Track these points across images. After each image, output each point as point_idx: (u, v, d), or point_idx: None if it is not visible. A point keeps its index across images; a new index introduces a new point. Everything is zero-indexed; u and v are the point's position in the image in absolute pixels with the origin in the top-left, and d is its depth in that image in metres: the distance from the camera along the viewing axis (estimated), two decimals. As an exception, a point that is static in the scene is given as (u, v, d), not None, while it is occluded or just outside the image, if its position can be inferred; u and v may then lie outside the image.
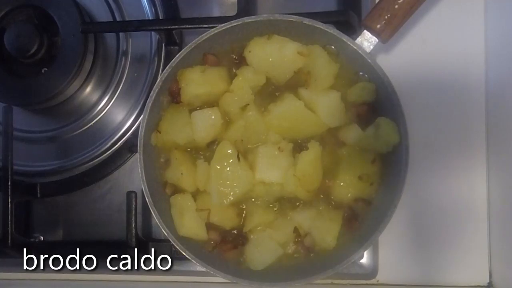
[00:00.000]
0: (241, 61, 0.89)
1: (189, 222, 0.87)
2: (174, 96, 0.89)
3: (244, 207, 0.88)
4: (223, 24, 0.85)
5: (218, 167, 0.84)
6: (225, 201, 0.84)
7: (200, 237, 0.87)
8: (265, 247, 0.86)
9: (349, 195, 0.85)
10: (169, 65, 0.86)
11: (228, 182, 0.84)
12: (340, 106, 0.86)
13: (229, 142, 0.85)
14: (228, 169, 0.84)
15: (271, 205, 0.88)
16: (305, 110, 0.85)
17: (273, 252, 0.86)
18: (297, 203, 0.87)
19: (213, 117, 0.86)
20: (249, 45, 0.87)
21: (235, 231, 0.88)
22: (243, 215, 0.88)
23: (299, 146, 0.87)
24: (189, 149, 0.90)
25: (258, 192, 0.85)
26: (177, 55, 0.86)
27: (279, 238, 0.86)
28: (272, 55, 0.86)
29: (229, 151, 0.85)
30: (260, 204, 0.87)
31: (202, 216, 0.86)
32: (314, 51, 0.87)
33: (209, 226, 0.87)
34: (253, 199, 0.87)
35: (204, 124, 0.86)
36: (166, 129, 0.88)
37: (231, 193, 0.84)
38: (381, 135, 0.84)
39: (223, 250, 0.87)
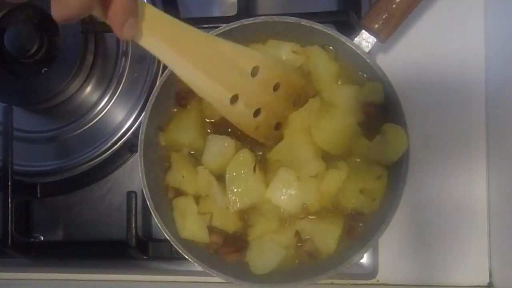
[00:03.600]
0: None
1: (191, 224, 0.86)
2: (180, 99, 0.89)
3: (247, 217, 0.87)
4: (221, 26, 0.85)
5: (234, 174, 0.83)
6: (231, 208, 0.83)
7: (202, 240, 0.87)
8: (267, 251, 0.85)
9: (352, 205, 0.84)
10: (169, 65, 0.86)
11: (239, 190, 0.82)
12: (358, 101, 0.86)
13: (249, 151, 0.84)
14: (242, 177, 0.82)
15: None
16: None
17: (275, 255, 0.85)
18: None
19: (226, 144, 0.84)
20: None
21: (238, 235, 0.87)
22: (246, 220, 0.87)
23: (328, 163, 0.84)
24: (191, 152, 0.89)
25: (266, 207, 0.84)
26: (177, 55, 0.86)
27: (281, 241, 0.85)
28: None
29: (247, 160, 0.83)
30: (265, 214, 0.86)
31: (204, 219, 0.86)
32: (314, 52, 0.86)
33: (211, 229, 0.86)
34: (259, 210, 0.86)
35: (218, 150, 0.85)
36: (171, 130, 0.88)
37: (239, 202, 0.82)
38: (388, 142, 0.82)
39: (225, 253, 0.86)
